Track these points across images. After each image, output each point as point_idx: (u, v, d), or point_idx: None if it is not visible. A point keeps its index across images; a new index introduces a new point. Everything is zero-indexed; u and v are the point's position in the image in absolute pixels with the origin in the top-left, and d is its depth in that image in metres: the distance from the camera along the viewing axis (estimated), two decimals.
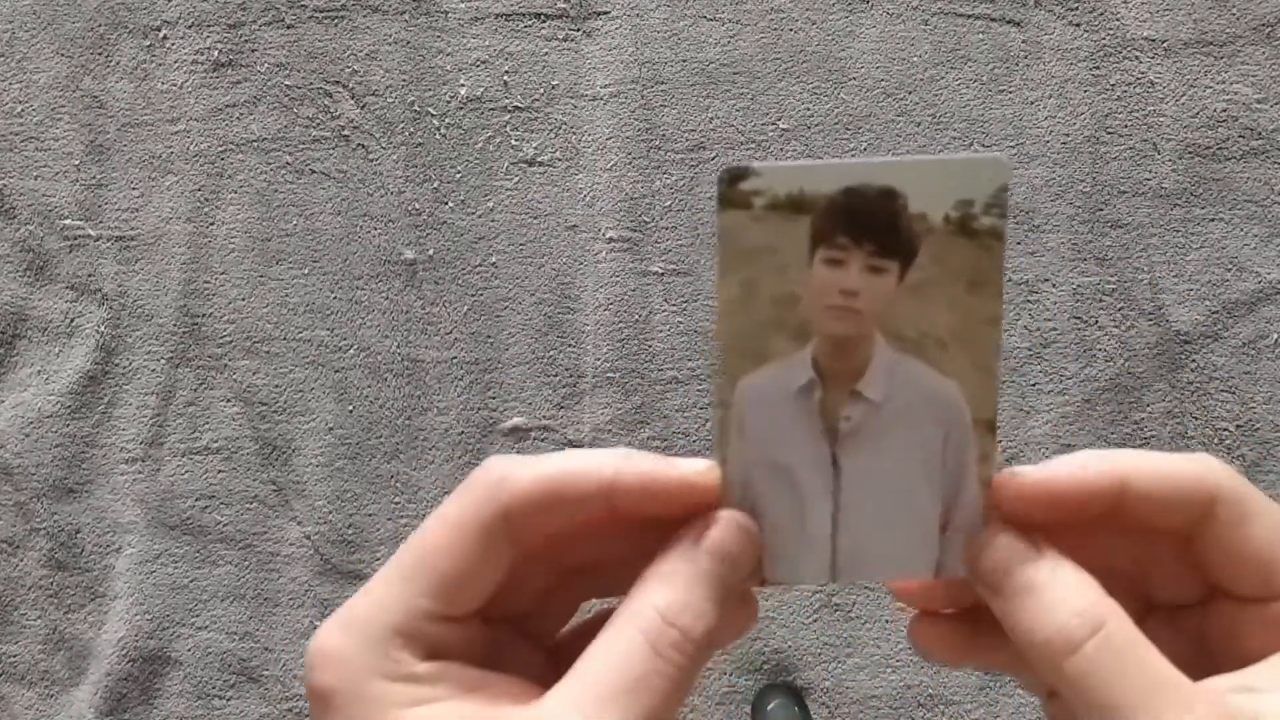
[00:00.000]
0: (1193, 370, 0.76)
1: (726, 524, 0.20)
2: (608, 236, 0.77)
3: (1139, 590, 0.22)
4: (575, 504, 0.20)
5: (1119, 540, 0.22)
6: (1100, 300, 0.76)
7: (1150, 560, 0.22)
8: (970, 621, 0.22)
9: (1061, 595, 0.20)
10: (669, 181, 0.78)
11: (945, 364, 0.21)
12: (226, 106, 0.79)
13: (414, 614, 0.18)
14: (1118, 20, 0.79)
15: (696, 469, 0.21)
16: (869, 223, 0.20)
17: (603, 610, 0.21)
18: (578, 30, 0.80)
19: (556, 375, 0.76)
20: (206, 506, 0.75)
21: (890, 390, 0.21)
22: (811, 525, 0.22)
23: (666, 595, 0.19)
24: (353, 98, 0.79)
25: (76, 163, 0.79)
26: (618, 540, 0.21)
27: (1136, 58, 0.79)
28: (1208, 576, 0.21)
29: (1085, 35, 0.79)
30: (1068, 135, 0.78)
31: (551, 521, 0.20)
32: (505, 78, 0.79)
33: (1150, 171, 0.78)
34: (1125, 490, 0.20)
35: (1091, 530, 0.21)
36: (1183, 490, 0.20)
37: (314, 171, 0.78)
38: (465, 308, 0.77)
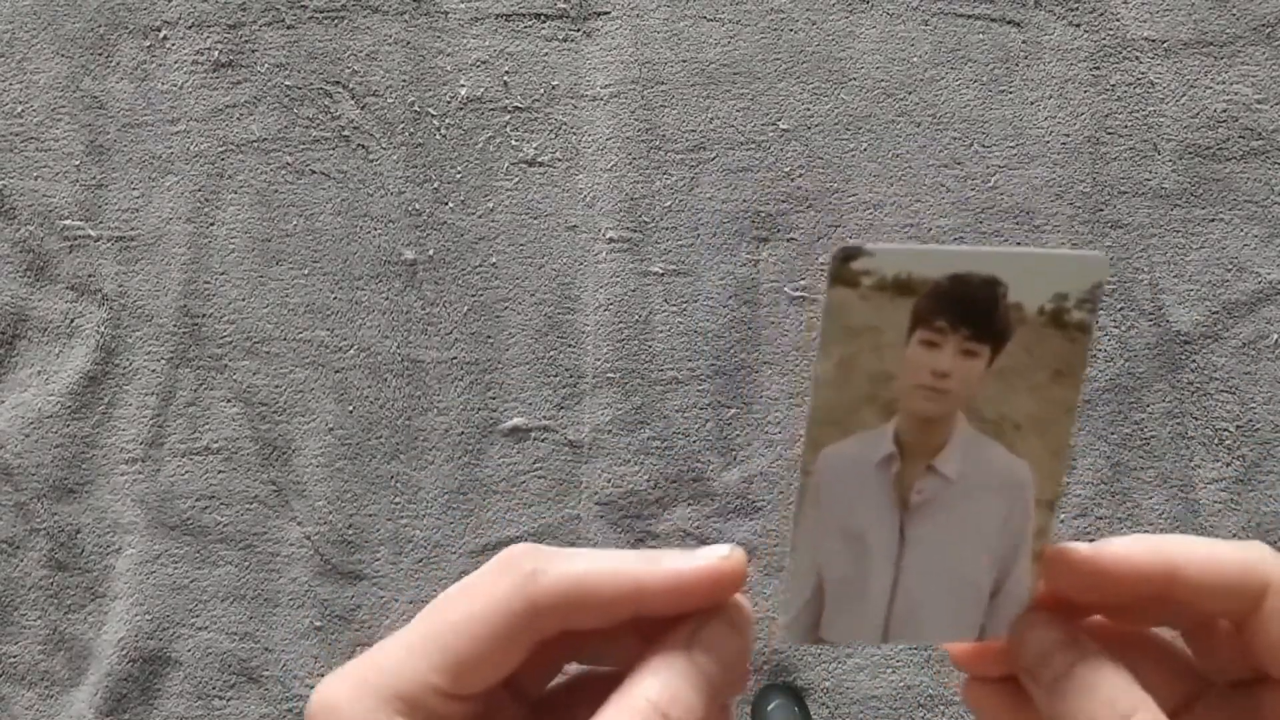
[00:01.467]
0: (1193, 370, 0.76)
1: (718, 625, 0.21)
2: (608, 236, 0.77)
3: (1190, 668, 0.22)
4: (603, 607, 0.20)
5: (1169, 619, 0.22)
6: (1100, 300, 0.76)
7: (1201, 640, 0.22)
8: (1019, 687, 0.22)
9: (1093, 686, 0.20)
10: (669, 181, 0.78)
11: (1018, 445, 0.22)
12: (226, 106, 0.79)
13: (422, 687, 0.19)
14: (1118, 20, 0.79)
15: (720, 556, 0.21)
16: (969, 309, 0.21)
17: (588, 673, 0.22)
18: (578, 30, 0.80)
19: (556, 375, 0.76)
20: (206, 507, 0.75)
21: (964, 468, 0.22)
22: (872, 590, 0.22)
23: (658, 687, 0.20)
24: (353, 98, 0.79)
25: (76, 163, 0.79)
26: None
27: (1136, 58, 0.79)
28: (1256, 662, 0.21)
29: (1085, 35, 0.79)
30: (1068, 135, 0.78)
31: (576, 620, 0.20)
32: (505, 78, 0.79)
33: (1150, 171, 0.78)
34: (1174, 577, 0.21)
35: (1140, 610, 0.22)
36: (1233, 580, 0.20)
37: (314, 171, 0.78)
38: (465, 308, 0.77)
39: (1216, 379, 0.76)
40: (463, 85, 0.79)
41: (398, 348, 0.76)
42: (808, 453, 0.21)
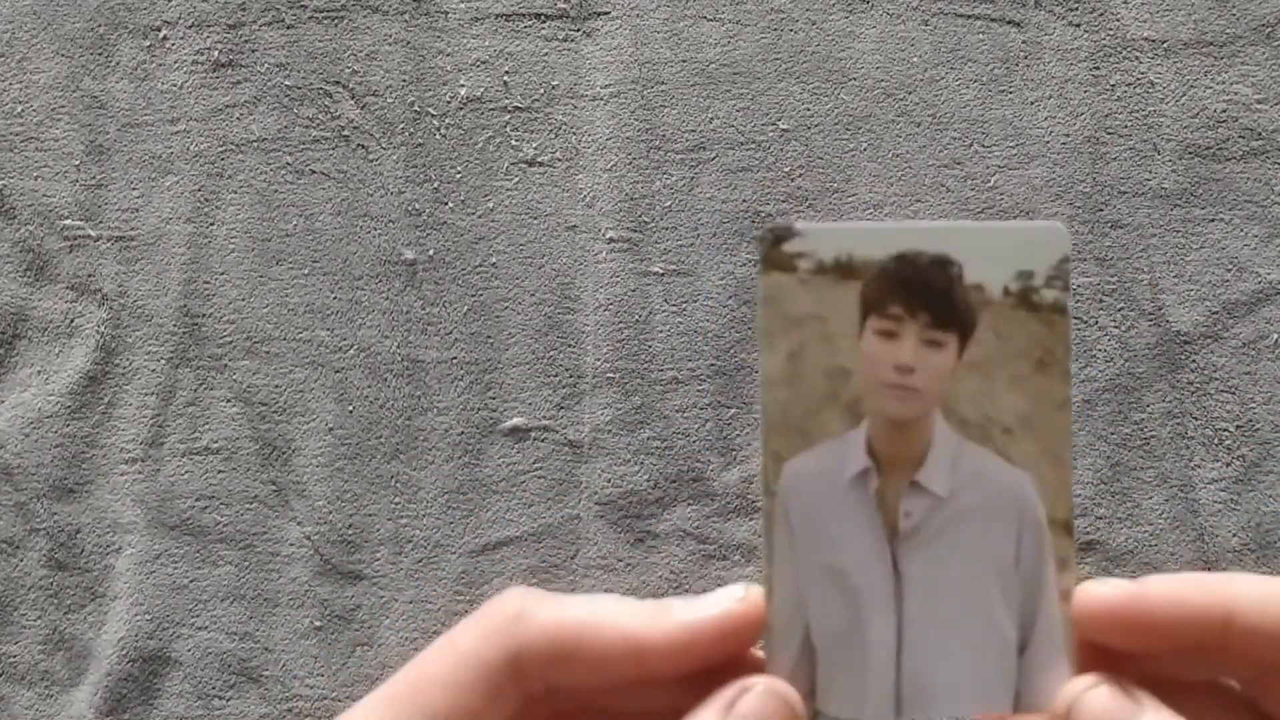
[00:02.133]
0: (1193, 370, 0.76)
1: (765, 695, 0.18)
2: (608, 236, 0.77)
3: (1254, 709, 0.20)
4: (598, 663, 0.18)
5: (1220, 669, 0.19)
6: (1100, 300, 0.76)
7: (1265, 683, 0.20)
8: None
9: None
10: (669, 181, 0.78)
11: (1013, 451, 0.19)
12: (226, 106, 0.79)
13: None
14: (1118, 20, 0.79)
15: (736, 597, 0.18)
16: (923, 292, 0.19)
17: None
18: (578, 30, 0.80)
19: (556, 375, 0.76)
20: (206, 506, 0.75)
21: (955, 483, 0.19)
22: (872, 643, 0.19)
23: None
24: (353, 98, 0.79)
25: (76, 163, 0.79)
26: (635, 689, 0.18)
27: (1136, 58, 0.79)
28: None
29: (1085, 35, 0.79)
30: (1068, 135, 0.78)
31: (566, 675, 0.18)
32: (505, 78, 0.79)
33: (1150, 171, 0.78)
34: (1230, 623, 0.18)
35: (1185, 660, 0.19)
36: None
37: (314, 171, 0.78)
38: (465, 308, 0.77)
39: (1216, 379, 0.76)
40: (463, 85, 0.79)
41: (398, 348, 0.76)
42: (768, 468, 0.19)
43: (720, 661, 0.19)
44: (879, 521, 0.19)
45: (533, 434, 0.76)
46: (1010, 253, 0.19)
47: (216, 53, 0.80)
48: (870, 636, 0.19)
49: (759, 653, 0.19)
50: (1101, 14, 0.80)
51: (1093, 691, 0.18)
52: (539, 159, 0.78)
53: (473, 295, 0.77)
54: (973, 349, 0.19)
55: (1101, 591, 0.19)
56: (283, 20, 0.80)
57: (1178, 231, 0.79)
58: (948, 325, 0.19)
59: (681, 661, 0.18)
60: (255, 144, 0.79)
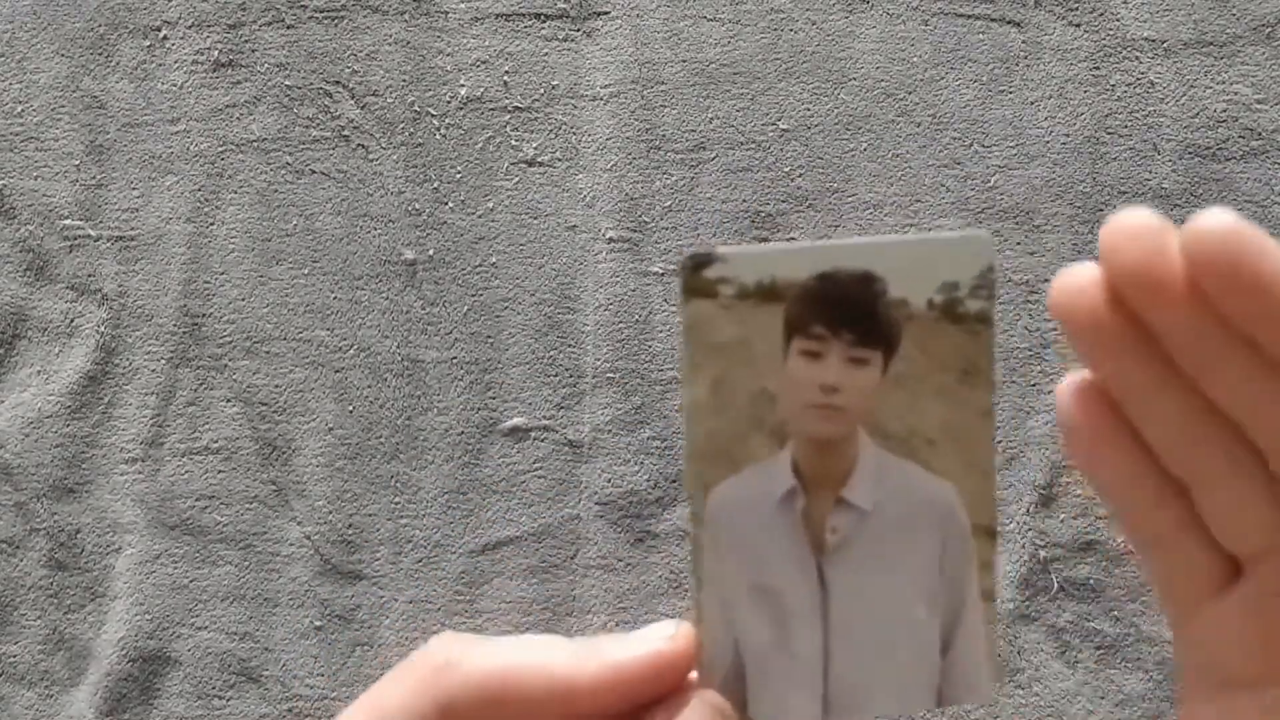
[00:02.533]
0: None
1: (698, 707, 0.18)
2: (608, 236, 0.77)
3: (1212, 544, 0.19)
4: (529, 707, 0.17)
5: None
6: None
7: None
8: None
9: None
10: (669, 181, 0.78)
11: (937, 463, 0.19)
12: (226, 106, 0.79)
13: None
14: (1118, 20, 0.79)
15: (665, 635, 0.18)
16: (846, 310, 0.19)
17: None
18: (578, 30, 0.80)
19: (556, 375, 0.76)
20: (206, 506, 0.75)
21: (880, 496, 0.19)
22: (800, 654, 0.19)
23: None
24: (353, 98, 0.79)
25: (76, 163, 0.79)
26: None
27: (1136, 58, 0.79)
28: None
29: (1085, 35, 0.79)
30: (1068, 135, 0.78)
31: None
32: (505, 78, 0.79)
33: (1150, 171, 0.78)
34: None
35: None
36: None
37: (314, 171, 0.78)
38: (465, 308, 0.77)
39: None
40: (463, 85, 0.79)
41: (398, 348, 0.76)
42: (695, 496, 0.19)
43: (652, 699, 0.19)
44: (805, 539, 0.19)
45: (533, 434, 0.76)
46: (934, 265, 0.19)
47: (216, 53, 0.80)
48: (798, 649, 0.19)
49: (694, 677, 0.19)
50: (1101, 14, 0.80)
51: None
52: (539, 159, 0.78)
53: (473, 295, 0.77)
54: (897, 364, 0.19)
55: (1218, 222, 0.17)
56: (283, 20, 0.80)
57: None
58: (872, 343, 0.19)
59: (612, 701, 0.18)
60: (255, 144, 0.79)
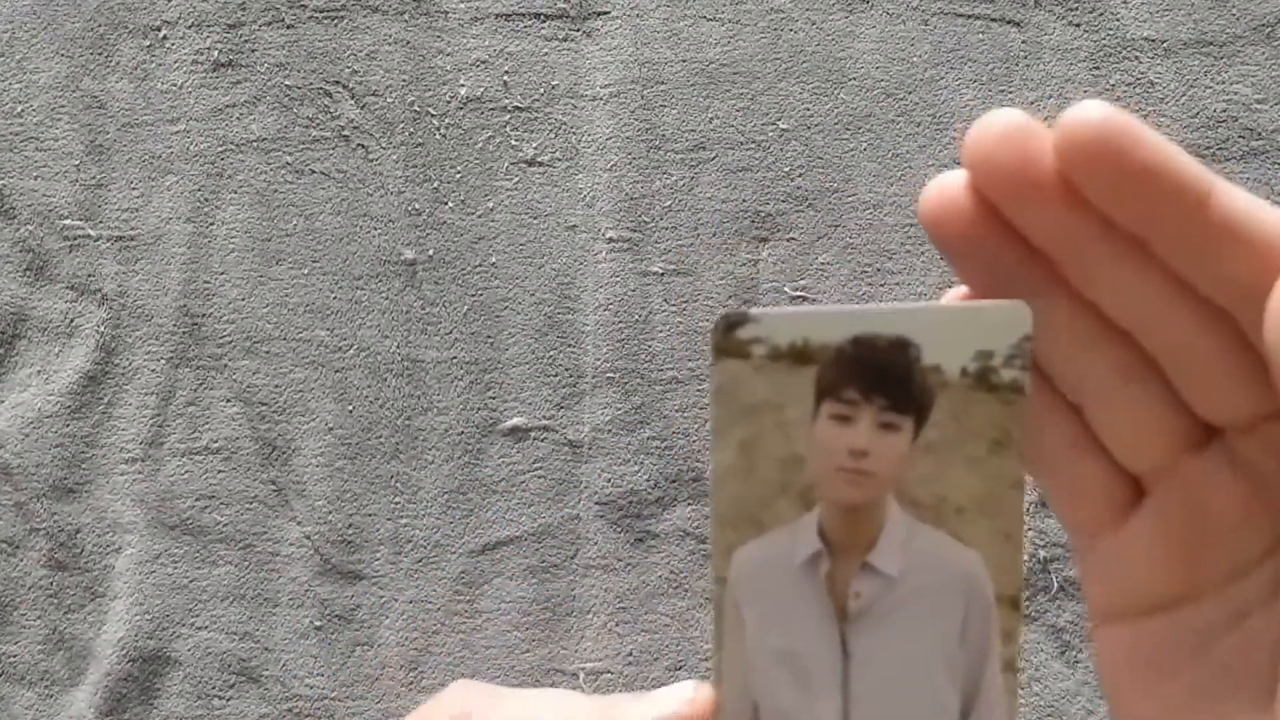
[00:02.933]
0: None
1: None
2: (608, 236, 0.77)
3: (1184, 410, 0.18)
4: None
5: (1159, 310, 0.17)
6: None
7: (1191, 349, 0.17)
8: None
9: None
10: (669, 181, 0.78)
11: (964, 532, 0.19)
12: (226, 106, 0.79)
13: None
14: (1118, 20, 0.79)
15: (685, 698, 0.18)
16: (880, 376, 0.19)
17: None
18: (578, 30, 0.80)
19: (556, 375, 0.76)
20: (206, 506, 0.75)
21: (906, 563, 0.19)
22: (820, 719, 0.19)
23: None
24: (353, 98, 0.79)
25: (76, 163, 0.79)
26: None
27: (1136, 58, 0.79)
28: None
29: (1085, 35, 0.79)
30: None
31: None
32: (505, 78, 0.79)
33: None
34: (1208, 199, 0.15)
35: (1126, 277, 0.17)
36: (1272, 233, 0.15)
37: (314, 171, 0.78)
38: (465, 308, 0.77)
39: None
40: (463, 85, 0.79)
41: (398, 348, 0.76)
42: (718, 559, 0.19)
43: None
44: (829, 604, 0.19)
45: (533, 434, 0.76)
46: (970, 333, 0.19)
47: (216, 53, 0.80)
48: (818, 712, 0.19)
49: None
50: (1101, 14, 0.80)
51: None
52: (539, 159, 0.78)
53: (473, 295, 0.77)
54: (928, 431, 0.19)
55: (1093, 112, 0.16)
56: (283, 20, 0.80)
57: None
58: (904, 408, 0.19)
59: None
60: (255, 144, 0.79)
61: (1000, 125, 0.16)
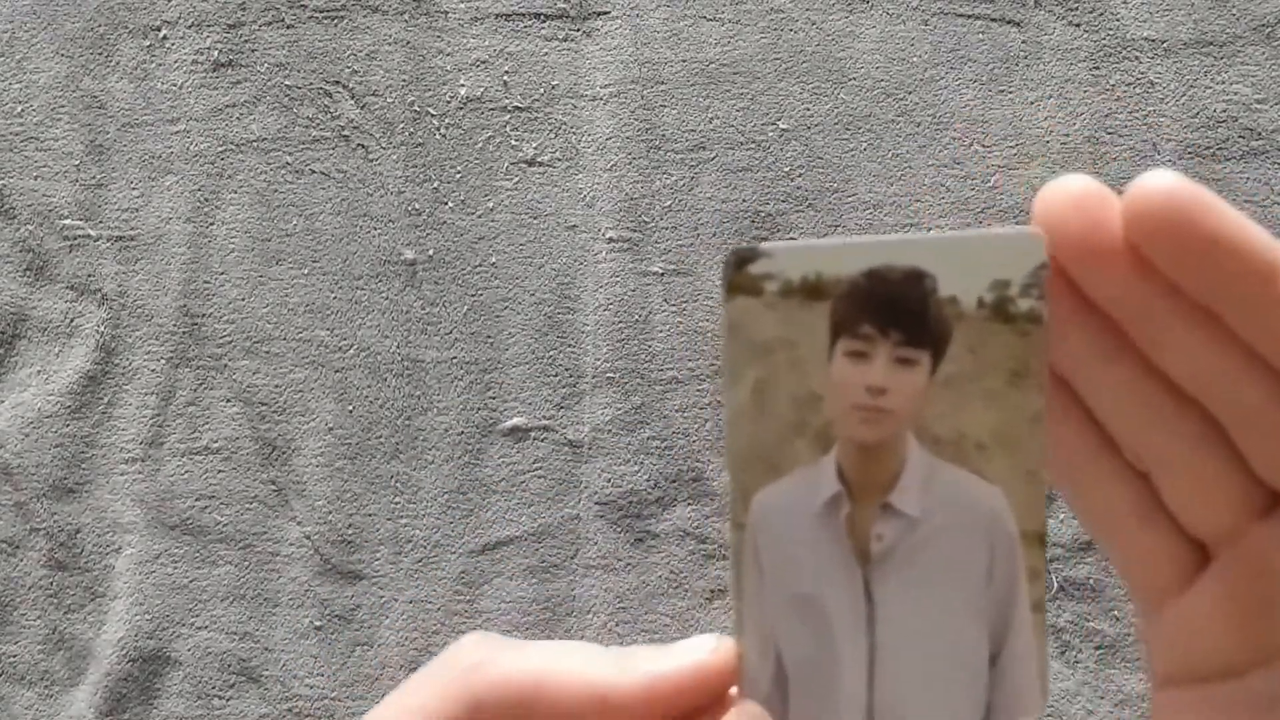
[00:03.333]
0: None
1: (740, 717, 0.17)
2: (608, 236, 0.77)
3: (1248, 475, 0.18)
4: (560, 715, 0.17)
5: (1224, 373, 0.17)
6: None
7: (1257, 416, 0.17)
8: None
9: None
10: (669, 181, 0.78)
11: (986, 468, 0.18)
12: (226, 106, 0.79)
13: None
14: (1118, 20, 0.79)
15: (707, 649, 0.18)
16: (895, 308, 0.18)
17: None
18: (578, 30, 0.80)
19: (556, 375, 0.76)
20: (206, 506, 0.75)
21: (928, 503, 0.18)
22: (844, 669, 0.19)
23: None
24: (353, 98, 0.79)
25: (76, 163, 0.79)
26: None
27: (1136, 58, 0.79)
28: None
29: (1085, 35, 0.79)
30: (1068, 135, 0.78)
31: None
32: (505, 78, 0.79)
33: None
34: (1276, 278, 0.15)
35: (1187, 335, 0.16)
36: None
37: (314, 171, 0.78)
38: (465, 308, 0.77)
39: None
40: (463, 85, 0.79)
41: (398, 348, 0.76)
42: (736, 502, 0.18)
43: (691, 712, 0.18)
44: (850, 547, 0.19)
45: (533, 434, 0.76)
46: (985, 262, 0.18)
47: (216, 53, 0.80)
48: (842, 662, 0.19)
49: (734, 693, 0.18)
50: (1101, 14, 0.80)
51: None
52: (539, 159, 0.78)
53: (473, 295, 0.77)
54: (946, 365, 0.18)
55: (1162, 182, 0.16)
56: (283, 20, 0.80)
57: None
58: (921, 343, 0.18)
59: (648, 715, 0.18)
60: (255, 144, 0.79)
61: (1070, 191, 0.16)
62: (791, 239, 0.67)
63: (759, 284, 0.18)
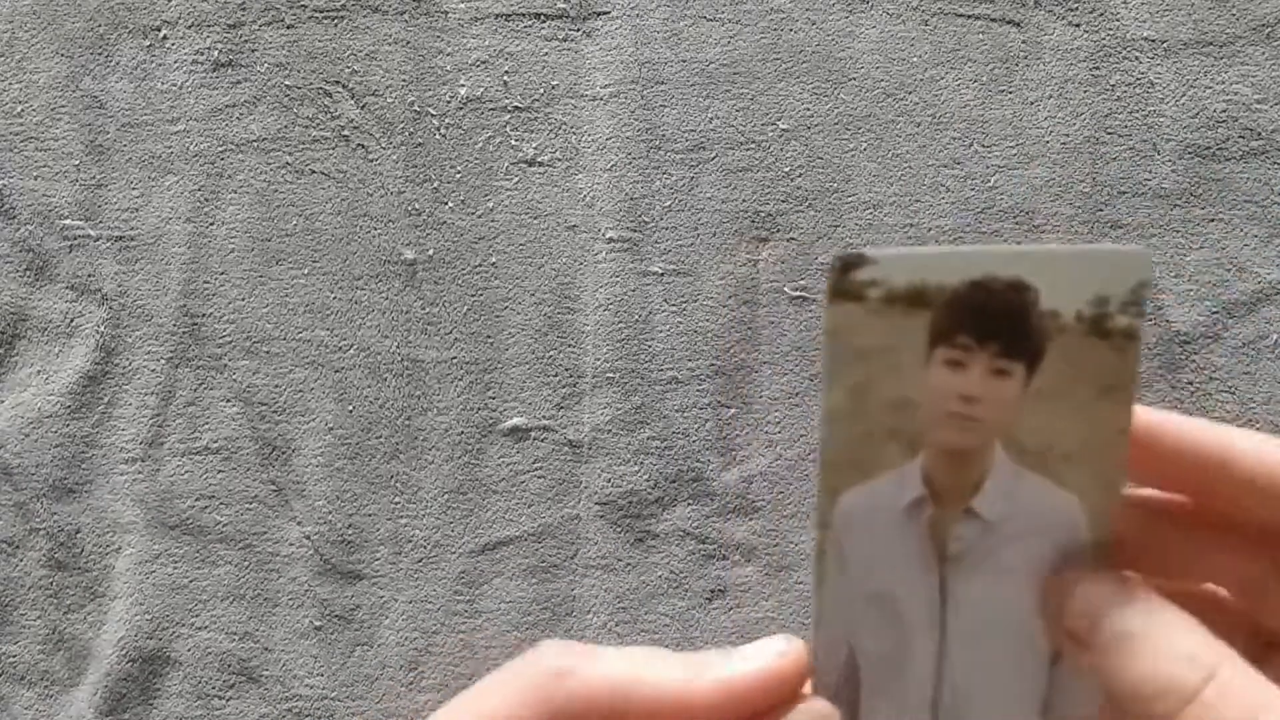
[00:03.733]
0: (1193, 370, 0.76)
1: (806, 715, 0.18)
2: (608, 236, 0.77)
3: (1251, 625, 0.19)
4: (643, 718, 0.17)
5: (1223, 563, 0.19)
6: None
7: (1260, 584, 0.19)
8: None
9: (1165, 640, 0.17)
10: (669, 181, 0.78)
11: (1066, 477, 0.19)
12: (226, 106, 0.79)
13: None
14: (1118, 20, 0.80)
15: (778, 651, 0.18)
16: (996, 320, 0.18)
17: None
18: (578, 30, 0.80)
19: (556, 375, 0.76)
20: (206, 506, 0.75)
21: (1007, 508, 0.19)
22: (915, 663, 0.19)
23: None
24: (353, 98, 0.79)
25: (76, 163, 0.79)
26: None
27: (1136, 58, 0.79)
28: None
29: (1085, 35, 0.79)
30: (1068, 135, 0.78)
31: None
32: (505, 78, 0.79)
33: (1150, 171, 0.78)
34: (1227, 466, 0.18)
35: (1189, 551, 0.18)
36: None
37: (314, 171, 0.78)
38: (465, 308, 0.77)
39: (1216, 379, 0.76)
40: (463, 85, 0.79)
41: (398, 348, 0.76)
42: (823, 502, 0.19)
43: (764, 711, 0.18)
44: (929, 548, 0.19)
45: (533, 434, 0.76)
46: (1088, 277, 0.18)
47: (216, 53, 0.80)
48: (913, 657, 0.19)
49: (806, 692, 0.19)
50: (1101, 14, 0.80)
51: (1080, 585, 0.18)
52: (539, 159, 0.78)
53: (473, 295, 0.77)
54: (1039, 377, 0.19)
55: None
56: (283, 20, 0.80)
57: (1177, 231, 0.79)
58: (1017, 354, 0.19)
59: (724, 716, 0.18)
60: (255, 144, 0.79)
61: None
62: (791, 239, 0.68)
63: (862, 290, 0.18)
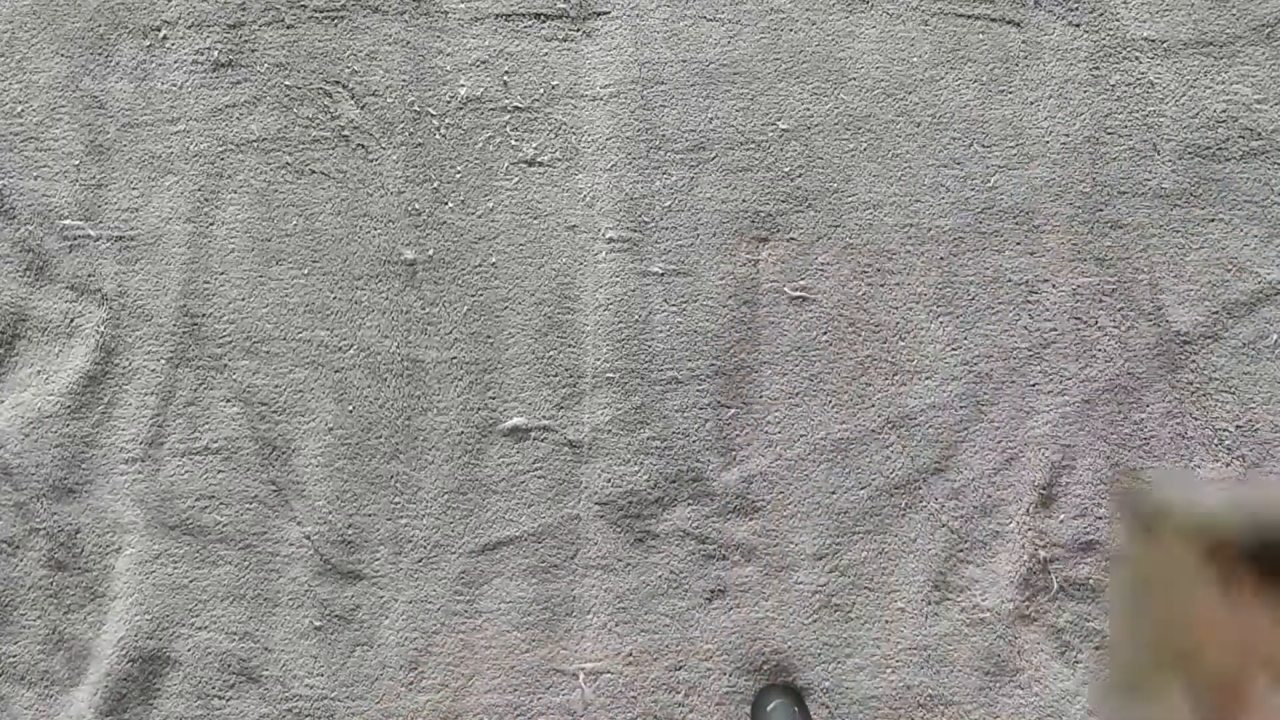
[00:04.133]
0: (1193, 370, 0.76)
1: None
2: (608, 236, 0.77)
3: None
4: None
5: None
6: (1100, 300, 0.76)
7: None
8: None
9: None
10: (669, 181, 0.78)
11: None
12: (226, 106, 0.79)
13: None
14: (1118, 20, 0.80)
15: None
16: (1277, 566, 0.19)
17: None
18: (578, 30, 0.80)
19: (556, 375, 0.76)
20: (206, 506, 0.75)
21: None
22: None
23: None
24: (353, 98, 0.79)
25: (76, 163, 0.79)
26: None
27: (1136, 58, 0.79)
28: None
29: (1085, 35, 0.79)
30: (1068, 135, 0.78)
31: None
32: (505, 78, 0.79)
33: (1150, 172, 0.78)
34: None
35: None
36: None
37: (314, 171, 0.78)
38: (465, 308, 0.77)
39: (1216, 379, 0.76)
40: (462, 85, 0.79)
41: (397, 348, 0.76)
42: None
43: None
44: None
45: (533, 434, 0.76)
46: None
47: (216, 53, 0.80)
48: None
49: None
50: (1101, 14, 0.80)
51: None
52: (539, 159, 0.78)
53: (473, 295, 0.77)
54: None
55: None
56: (283, 20, 0.80)
57: (1178, 231, 0.79)
58: None
59: None
60: (255, 144, 0.79)
61: None
62: (801, 245, 0.68)
63: (1162, 526, 0.18)
